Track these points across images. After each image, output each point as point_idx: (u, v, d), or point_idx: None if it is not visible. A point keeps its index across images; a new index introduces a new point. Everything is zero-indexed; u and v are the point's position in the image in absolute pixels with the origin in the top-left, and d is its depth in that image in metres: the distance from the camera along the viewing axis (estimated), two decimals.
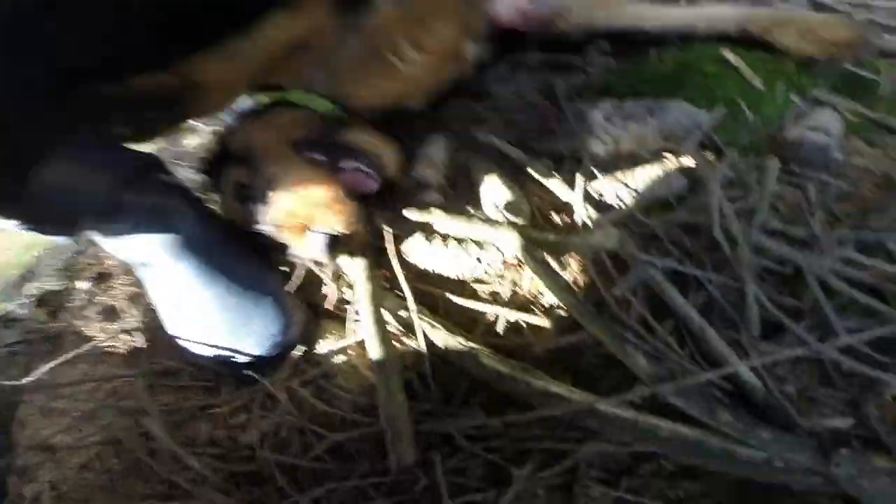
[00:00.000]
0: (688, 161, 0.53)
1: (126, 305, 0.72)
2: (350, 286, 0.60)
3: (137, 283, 0.73)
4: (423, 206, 0.60)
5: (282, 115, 0.62)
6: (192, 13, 0.56)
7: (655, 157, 0.55)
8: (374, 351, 0.50)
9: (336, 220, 0.52)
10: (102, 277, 0.82)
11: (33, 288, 0.84)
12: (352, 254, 0.58)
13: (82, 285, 0.79)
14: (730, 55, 0.69)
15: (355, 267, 0.57)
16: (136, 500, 0.49)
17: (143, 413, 0.53)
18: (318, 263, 0.61)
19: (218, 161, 0.64)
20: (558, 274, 0.49)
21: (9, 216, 0.45)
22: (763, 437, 0.42)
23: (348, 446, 0.48)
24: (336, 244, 0.53)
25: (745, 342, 0.46)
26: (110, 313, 0.73)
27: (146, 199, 0.55)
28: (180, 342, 0.59)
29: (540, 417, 0.47)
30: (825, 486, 0.40)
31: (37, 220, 0.48)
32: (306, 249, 0.53)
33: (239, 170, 0.59)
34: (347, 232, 0.53)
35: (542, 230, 0.54)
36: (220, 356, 0.58)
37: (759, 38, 0.73)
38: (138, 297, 0.72)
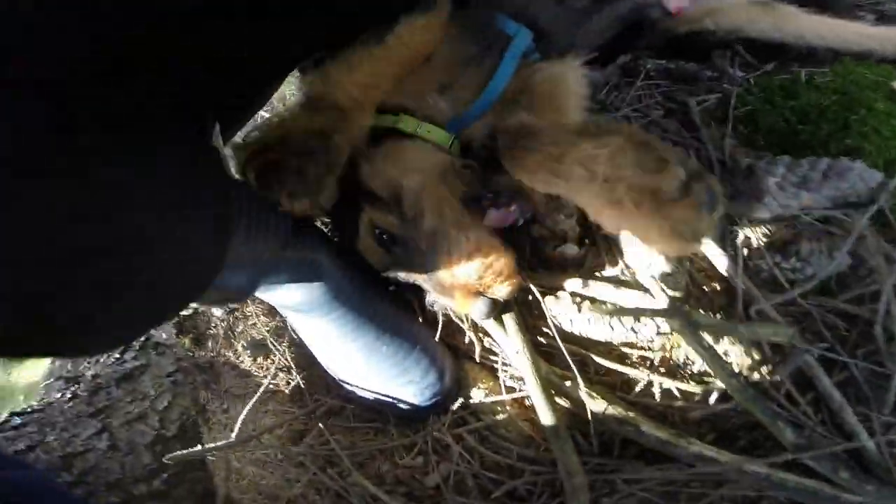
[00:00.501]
0: (858, 237, 0.54)
1: (273, 339, 0.75)
2: (486, 334, 0.64)
3: (271, 312, 0.77)
4: (564, 261, 0.61)
5: (424, 152, 0.57)
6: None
7: (822, 227, 0.55)
8: (545, 416, 0.56)
9: (509, 291, 0.54)
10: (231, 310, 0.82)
11: None
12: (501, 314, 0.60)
13: (216, 311, 0.80)
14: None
15: (512, 333, 0.59)
16: None
17: (332, 453, 0.61)
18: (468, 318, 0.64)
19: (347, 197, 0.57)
20: (723, 360, 0.54)
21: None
22: (868, 488, 0.52)
23: (521, 490, 0.58)
24: (496, 309, 0.55)
25: (874, 419, 0.53)
26: (259, 347, 0.76)
27: (301, 255, 0.57)
28: (340, 382, 0.65)
29: (691, 470, 0.56)
30: None
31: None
32: (469, 312, 0.55)
33: (376, 211, 0.56)
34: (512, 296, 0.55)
35: (700, 305, 0.56)
36: (381, 399, 0.63)
37: None
38: (282, 331, 0.75)
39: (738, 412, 0.55)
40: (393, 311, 0.63)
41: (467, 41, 0.61)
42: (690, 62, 0.75)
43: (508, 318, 0.60)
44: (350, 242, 0.58)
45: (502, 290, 0.53)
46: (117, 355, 0.80)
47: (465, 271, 0.51)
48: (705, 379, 0.57)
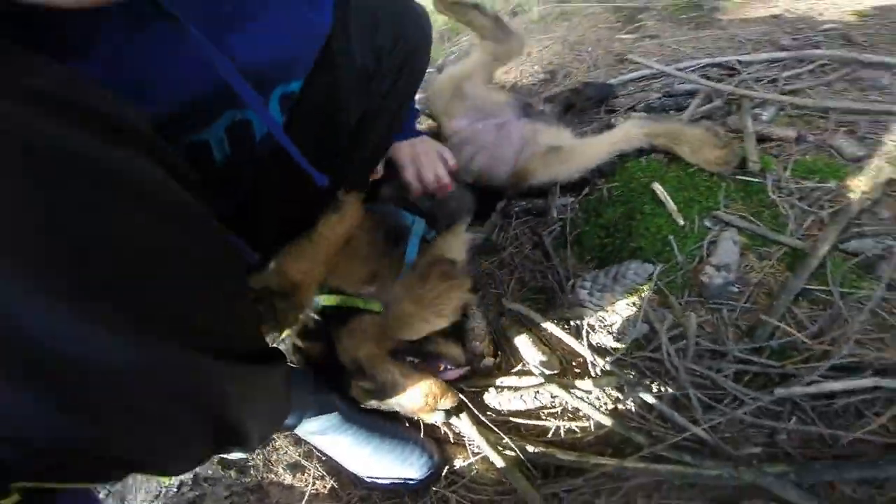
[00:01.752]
0: (647, 309, 0.85)
1: (307, 461, 0.95)
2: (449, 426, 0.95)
3: (297, 442, 0.96)
4: (487, 369, 0.95)
5: (364, 325, 0.80)
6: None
7: (628, 310, 0.88)
8: (498, 463, 0.83)
9: (450, 402, 0.83)
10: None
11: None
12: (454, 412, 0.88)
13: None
14: (658, 188, 0.96)
15: (464, 422, 0.89)
16: None
17: None
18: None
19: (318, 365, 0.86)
20: (592, 402, 0.85)
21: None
22: (708, 463, 0.78)
23: None
24: (449, 415, 0.86)
25: (699, 417, 0.81)
26: (295, 467, 0.95)
27: (322, 397, 0.84)
28: (363, 478, 0.87)
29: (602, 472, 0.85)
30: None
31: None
32: (432, 419, 0.86)
33: (358, 378, 0.81)
34: (454, 404, 0.85)
35: (571, 373, 0.89)
36: (394, 482, 0.85)
37: (667, 149, 1.00)
38: (310, 453, 0.95)
39: (613, 433, 0.85)
40: (388, 422, 0.90)
41: (381, 231, 0.88)
42: (540, 199, 1.10)
43: (463, 415, 0.90)
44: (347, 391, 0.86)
45: (446, 403, 0.83)
46: (175, 488, 0.97)
47: (415, 401, 0.80)
48: (586, 417, 0.88)
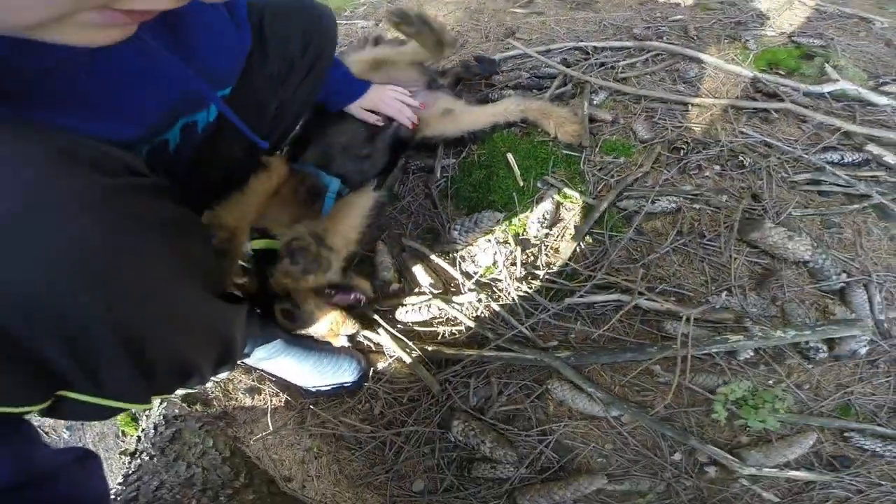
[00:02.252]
0: (496, 247, 1.21)
1: (260, 384, 1.14)
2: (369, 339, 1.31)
3: (246, 372, 1.14)
4: (396, 292, 1.28)
5: (297, 267, 0.94)
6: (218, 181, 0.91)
7: (485, 245, 1.22)
8: (406, 360, 1.23)
9: (350, 328, 1.11)
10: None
11: (161, 406, 1.13)
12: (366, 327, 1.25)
13: (208, 385, 1.14)
14: (510, 157, 1.28)
15: (382, 335, 1.24)
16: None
17: (324, 418, 1.32)
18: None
19: (261, 296, 1.01)
20: (464, 313, 1.22)
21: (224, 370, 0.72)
22: (527, 351, 1.21)
23: (412, 395, 1.25)
24: (353, 336, 1.16)
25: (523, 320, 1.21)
26: (252, 391, 1.14)
27: (267, 329, 1.01)
28: (308, 388, 1.10)
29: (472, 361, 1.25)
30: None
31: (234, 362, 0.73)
32: (337, 342, 1.13)
33: (282, 304, 1.00)
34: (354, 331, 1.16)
35: (448, 294, 1.24)
36: (334, 387, 1.08)
37: (536, 124, 1.30)
38: (263, 379, 1.14)
39: (476, 333, 1.24)
40: (321, 341, 1.17)
41: (302, 188, 1.11)
42: (430, 159, 1.39)
43: (382, 328, 1.26)
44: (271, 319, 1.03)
45: (347, 330, 1.13)
46: (152, 430, 1.11)
47: (322, 329, 1.06)
48: (460, 322, 1.25)
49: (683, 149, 1.25)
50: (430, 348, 1.13)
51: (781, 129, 1.32)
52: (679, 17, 1.69)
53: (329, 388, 1.08)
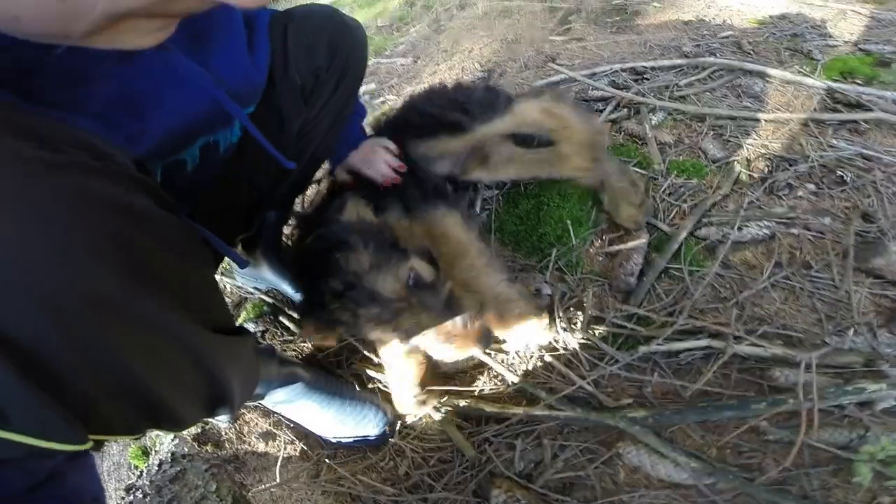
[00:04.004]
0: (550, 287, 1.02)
1: (276, 429, 1.02)
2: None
3: (265, 415, 1.03)
4: None
5: None
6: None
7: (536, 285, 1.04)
8: (441, 422, 1.02)
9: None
10: (233, 418, 1.04)
11: (172, 442, 1.06)
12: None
13: (220, 425, 1.04)
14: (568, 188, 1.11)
15: None
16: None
17: (339, 477, 1.11)
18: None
19: None
20: (509, 371, 1.03)
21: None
22: (591, 412, 0.99)
23: (443, 456, 1.05)
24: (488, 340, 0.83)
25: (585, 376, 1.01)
26: (267, 436, 1.02)
27: (287, 370, 0.91)
28: (329, 438, 0.96)
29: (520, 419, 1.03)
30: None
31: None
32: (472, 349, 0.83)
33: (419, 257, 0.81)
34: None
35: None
36: (356, 439, 0.95)
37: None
38: (280, 423, 1.02)
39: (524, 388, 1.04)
40: (346, 387, 1.01)
41: None
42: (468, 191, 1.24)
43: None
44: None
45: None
46: (156, 467, 1.03)
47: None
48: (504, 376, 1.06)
49: (767, 167, 1.06)
50: (465, 404, 0.95)
51: (878, 140, 1.12)
52: (728, 33, 1.55)
53: (351, 440, 0.95)
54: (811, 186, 1.02)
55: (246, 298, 1.30)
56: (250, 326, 1.22)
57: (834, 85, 1.28)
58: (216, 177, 0.75)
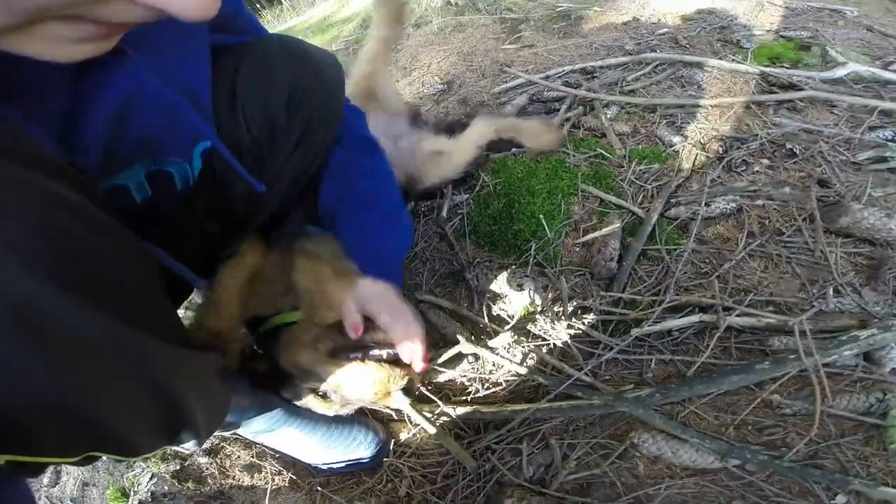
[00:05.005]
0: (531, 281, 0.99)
1: (261, 461, 0.95)
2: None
3: (247, 447, 0.96)
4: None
5: (296, 335, 0.75)
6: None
7: (518, 281, 1.01)
8: (430, 430, 0.96)
9: (400, 380, 0.75)
10: (212, 452, 0.99)
11: (151, 482, 1.00)
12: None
13: (201, 460, 0.98)
14: (536, 184, 1.10)
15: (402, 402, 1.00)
16: None
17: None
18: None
19: (269, 378, 0.81)
20: (511, 360, 0.98)
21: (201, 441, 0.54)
22: (594, 398, 0.95)
23: (445, 471, 0.96)
24: (409, 393, 0.78)
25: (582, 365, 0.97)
26: (251, 468, 0.95)
27: (262, 398, 0.82)
28: (317, 466, 0.89)
29: (522, 420, 0.98)
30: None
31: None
32: (396, 403, 0.76)
33: (305, 382, 0.78)
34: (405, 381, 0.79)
35: (478, 340, 1.00)
36: (348, 464, 0.87)
37: (511, 140, 1.15)
38: (263, 454, 0.96)
39: (520, 387, 0.98)
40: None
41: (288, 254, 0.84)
42: (437, 199, 1.21)
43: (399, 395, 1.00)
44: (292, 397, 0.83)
45: (398, 383, 0.74)
46: None
47: (366, 390, 0.72)
48: (501, 377, 1.00)
49: (721, 147, 1.09)
50: (461, 411, 0.90)
51: (815, 116, 1.17)
52: (665, 30, 1.62)
53: (342, 465, 0.87)
54: (765, 161, 1.05)
55: None
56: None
57: (766, 69, 1.35)
58: (174, 215, 0.65)
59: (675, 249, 0.94)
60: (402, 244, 0.84)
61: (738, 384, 0.79)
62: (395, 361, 0.75)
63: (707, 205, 0.96)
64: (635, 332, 0.88)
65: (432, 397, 0.94)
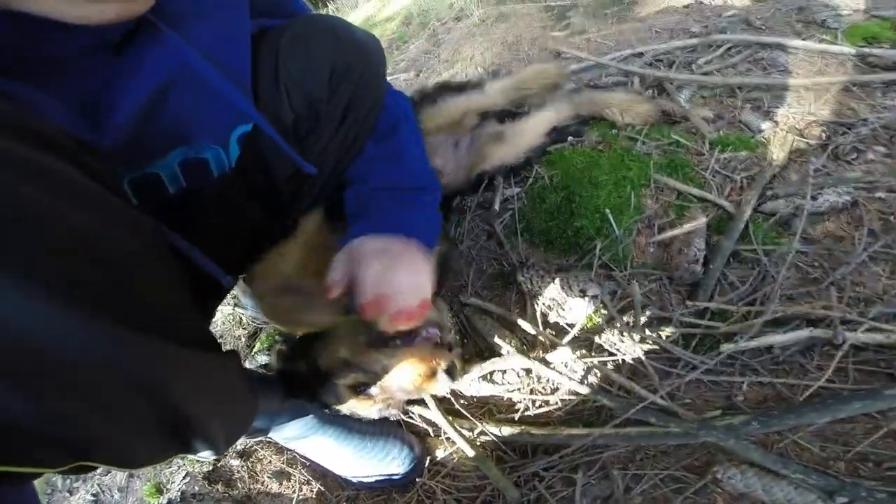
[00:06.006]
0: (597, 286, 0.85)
1: (291, 468, 0.91)
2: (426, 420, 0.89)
3: (279, 451, 0.93)
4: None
5: (335, 330, 0.74)
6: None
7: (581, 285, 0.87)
8: (469, 452, 0.83)
9: (444, 361, 0.72)
10: (244, 455, 0.97)
11: (183, 481, 0.99)
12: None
13: (232, 462, 0.95)
14: (600, 174, 0.96)
15: (436, 414, 0.85)
16: None
17: None
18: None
19: (308, 381, 0.77)
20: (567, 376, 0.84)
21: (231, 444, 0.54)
22: (671, 424, 0.80)
23: (484, 497, 0.84)
24: (453, 374, 0.74)
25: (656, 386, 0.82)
26: (281, 475, 0.92)
27: (293, 403, 0.77)
28: (349, 478, 0.84)
29: (575, 449, 0.83)
30: None
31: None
32: (441, 389, 0.75)
33: (347, 377, 0.73)
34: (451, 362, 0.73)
35: (530, 352, 0.87)
36: (379, 479, 0.82)
37: (597, 116, 1.01)
38: (294, 461, 0.91)
39: (579, 408, 0.84)
40: (366, 421, 0.84)
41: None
42: (489, 192, 1.09)
43: (434, 407, 0.86)
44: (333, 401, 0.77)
45: (442, 365, 0.71)
46: None
47: (409, 376, 0.71)
48: (555, 392, 0.87)
49: (823, 133, 0.92)
50: (508, 431, 0.79)
51: None
52: (733, 11, 1.45)
53: (373, 479, 0.82)
54: (881, 149, 0.87)
55: (261, 328, 1.16)
56: (262, 358, 1.07)
57: (864, 49, 1.16)
58: (210, 205, 0.61)
59: (776, 250, 0.78)
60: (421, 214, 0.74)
61: (861, 411, 0.64)
62: (437, 345, 0.72)
63: (813, 198, 0.80)
64: (726, 348, 0.73)
65: (467, 414, 0.84)
